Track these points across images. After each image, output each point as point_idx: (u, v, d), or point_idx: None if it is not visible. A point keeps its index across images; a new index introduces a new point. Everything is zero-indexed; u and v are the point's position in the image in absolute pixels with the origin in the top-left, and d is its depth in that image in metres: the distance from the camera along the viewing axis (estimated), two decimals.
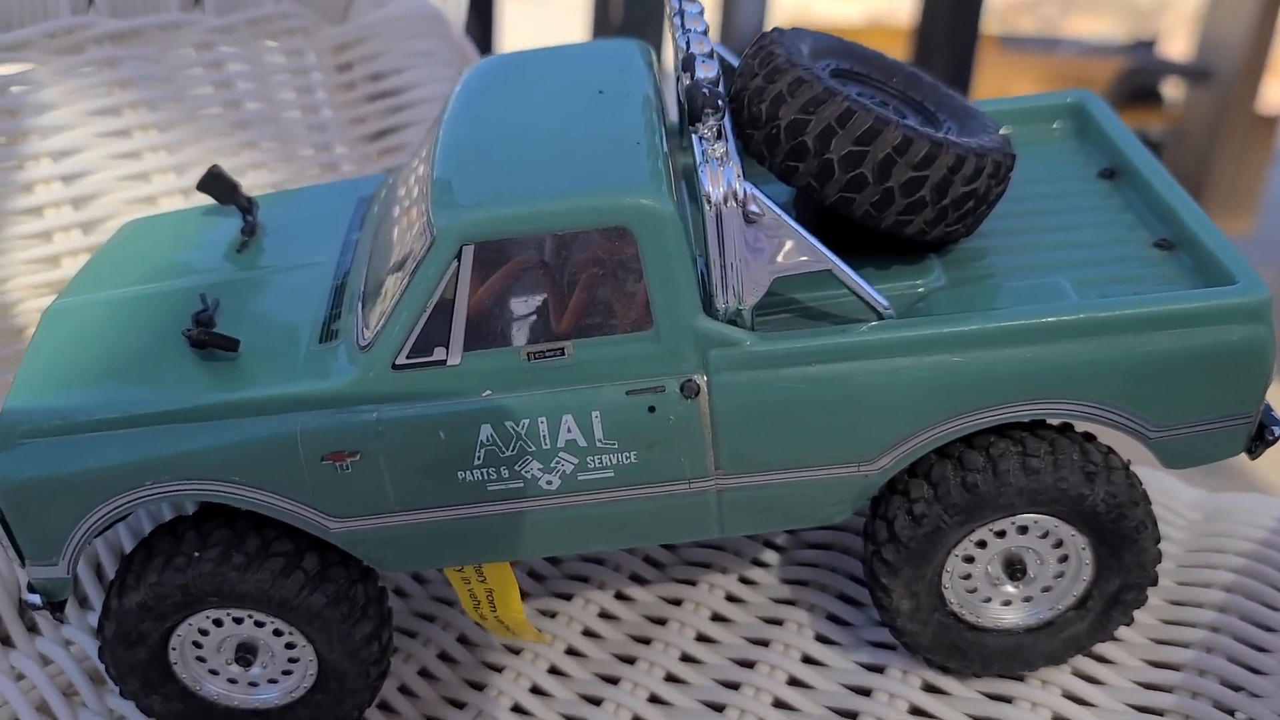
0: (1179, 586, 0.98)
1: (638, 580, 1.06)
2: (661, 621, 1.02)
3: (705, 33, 0.87)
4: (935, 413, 0.80)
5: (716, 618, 1.01)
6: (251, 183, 1.27)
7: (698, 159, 0.77)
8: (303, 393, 0.80)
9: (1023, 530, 0.85)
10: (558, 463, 0.80)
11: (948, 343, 0.78)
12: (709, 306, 0.79)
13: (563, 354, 0.78)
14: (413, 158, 0.93)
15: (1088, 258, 0.87)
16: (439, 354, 0.78)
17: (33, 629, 0.99)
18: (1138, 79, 4.29)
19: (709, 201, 0.75)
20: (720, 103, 0.76)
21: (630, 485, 0.82)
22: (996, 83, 4.34)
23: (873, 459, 0.82)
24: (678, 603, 1.03)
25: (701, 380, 0.79)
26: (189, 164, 1.22)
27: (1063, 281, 0.83)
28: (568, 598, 1.05)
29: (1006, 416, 0.81)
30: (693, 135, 0.77)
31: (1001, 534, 0.85)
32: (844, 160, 0.80)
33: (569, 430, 0.79)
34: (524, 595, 1.05)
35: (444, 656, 1.01)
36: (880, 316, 0.80)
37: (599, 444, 0.80)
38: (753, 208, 0.76)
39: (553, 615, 1.03)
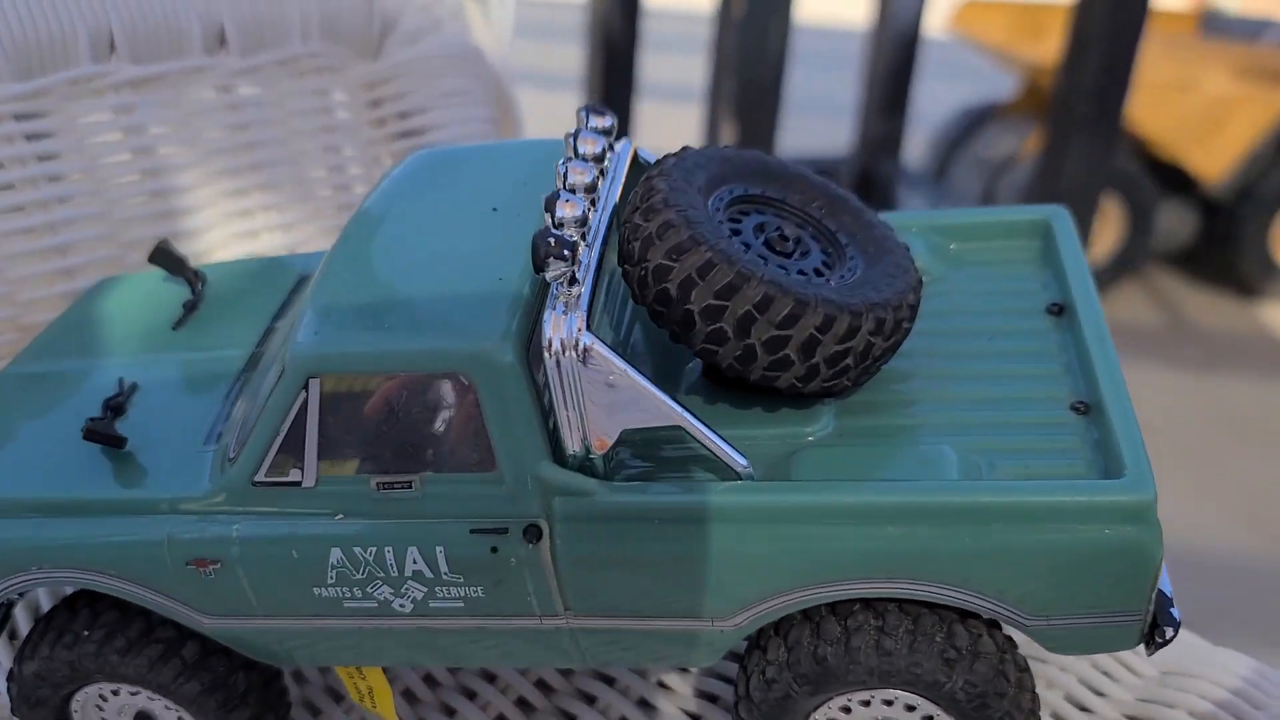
0: None
1: (543, 687, 1.04)
2: (571, 718, 1.01)
3: (600, 156, 0.84)
4: (786, 582, 0.77)
5: None
6: (260, 224, 1.31)
7: (548, 301, 0.75)
8: (172, 498, 0.82)
9: (889, 703, 0.80)
10: (407, 589, 0.81)
11: (798, 514, 0.75)
12: (562, 451, 0.77)
13: (411, 487, 0.79)
14: None
15: (995, 419, 0.81)
16: (295, 475, 0.80)
17: None
18: None
19: (548, 349, 0.74)
20: (568, 252, 0.74)
21: (481, 615, 0.82)
22: (1182, 72, 4.03)
23: (726, 617, 0.79)
24: (592, 700, 1.02)
25: (544, 525, 0.77)
26: (197, 208, 1.26)
27: (949, 452, 0.77)
28: (471, 695, 1.05)
29: (866, 591, 0.76)
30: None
31: (866, 703, 0.81)
32: (704, 313, 0.76)
33: (415, 561, 0.80)
34: (433, 684, 1.06)
35: None
36: (738, 476, 0.77)
37: (444, 577, 0.80)
38: (592, 359, 0.74)
39: (473, 696, 1.04)
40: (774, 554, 0.76)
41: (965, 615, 0.79)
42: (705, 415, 0.81)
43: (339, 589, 0.81)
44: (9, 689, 0.91)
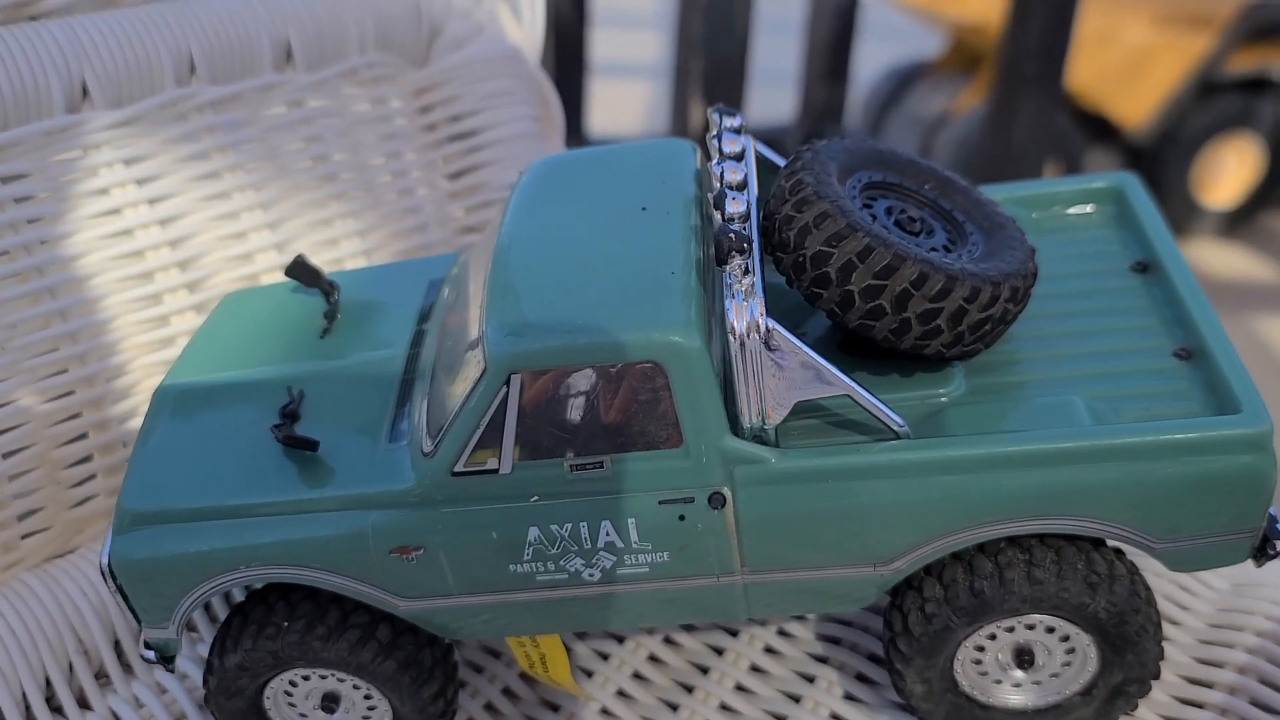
0: (1195, 664, 1.03)
1: (687, 627, 1.15)
2: (704, 670, 1.10)
3: (740, 155, 0.93)
4: (945, 526, 0.86)
5: (755, 669, 1.10)
6: (339, 233, 1.36)
7: (725, 292, 0.83)
8: (374, 493, 0.89)
9: (1030, 627, 0.91)
10: (598, 559, 0.89)
11: (957, 465, 0.84)
12: (736, 423, 0.86)
13: (602, 466, 0.87)
14: (477, 248, 1.01)
15: (1107, 369, 0.92)
16: (492, 464, 0.87)
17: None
18: (1263, 15, 4.14)
19: (733, 334, 0.82)
20: (746, 245, 0.82)
21: (663, 579, 0.90)
22: (1103, 24, 4.20)
23: (887, 562, 0.89)
24: (720, 652, 1.12)
25: (727, 492, 0.86)
26: (281, 220, 1.32)
27: (1077, 401, 0.88)
28: (620, 640, 1.14)
29: (1014, 530, 0.86)
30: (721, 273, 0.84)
31: (1011, 629, 0.91)
32: (864, 292, 0.85)
33: (608, 533, 0.88)
34: (579, 637, 1.15)
35: (507, 692, 1.12)
36: (896, 435, 0.86)
37: (634, 545, 0.88)
38: (774, 341, 0.82)
39: (606, 657, 1.13)
40: (935, 502, 0.86)
41: (1096, 544, 0.89)
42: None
43: (534, 564, 0.89)
44: (207, 681, 0.97)
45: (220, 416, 0.98)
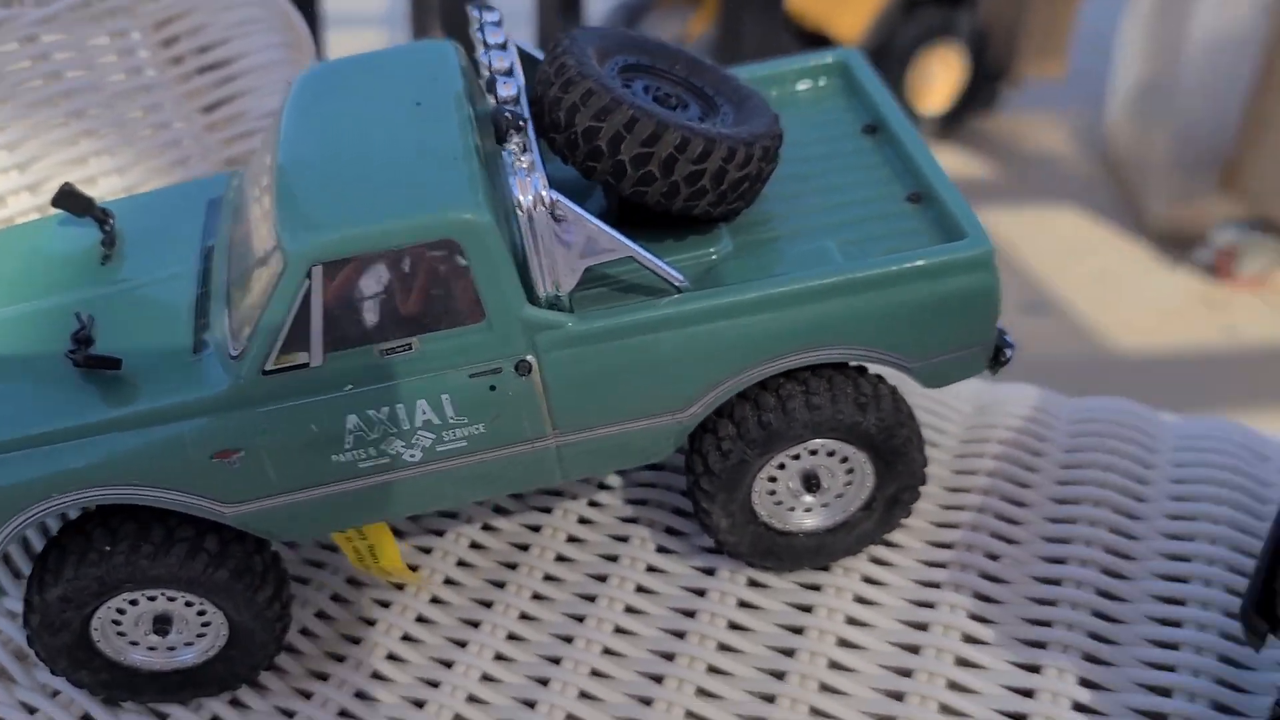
0: (954, 475, 1.17)
1: (501, 512, 1.20)
2: (524, 548, 1.17)
3: (504, 45, 0.98)
4: (730, 367, 0.96)
5: (571, 539, 1.17)
6: (95, 170, 1.33)
7: (507, 170, 0.89)
8: (188, 401, 0.90)
9: (814, 452, 1.02)
10: (417, 439, 0.94)
11: (734, 309, 0.93)
12: (533, 294, 0.92)
13: (410, 348, 0.91)
14: (254, 162, 1.02)
15: (850, 217, 1.03)
16: (302, 358, 0.90)
17: None
18: None
19: (520, 208, 0.88)
20: (522, 123, 0.88)
21: (481, 450, 0.96)
22: None
23: (684, 409, 0.97)
24: (537, 529, 1.18)
25: (532, 359, 0.92)
26: (31, 160, 1.27)
27: (830, 245, 0.98)
28: (440, 533, 1.19)
29: (791, 364, 0.97)
30: (502, 151, 0.89)
31: (797, 457, 1.02)
32: (634, 160, 0.93)
33: (424, 412, 0.92)
34: (400, 535, 1.19)
35: (336, 598, 1.15)
36: (677, 290, 0.94)
37: (450, 420, 0.93)
38: (558, 211, 0.89)
39: (428, 551, 1.18)
40: (719, 346, 0.94)
41: (861, 371, 1.01)
42: None
43: (354, 451, 0.93)
44: (28, 620, 0.96)
45: (4, 350, 0.96)
